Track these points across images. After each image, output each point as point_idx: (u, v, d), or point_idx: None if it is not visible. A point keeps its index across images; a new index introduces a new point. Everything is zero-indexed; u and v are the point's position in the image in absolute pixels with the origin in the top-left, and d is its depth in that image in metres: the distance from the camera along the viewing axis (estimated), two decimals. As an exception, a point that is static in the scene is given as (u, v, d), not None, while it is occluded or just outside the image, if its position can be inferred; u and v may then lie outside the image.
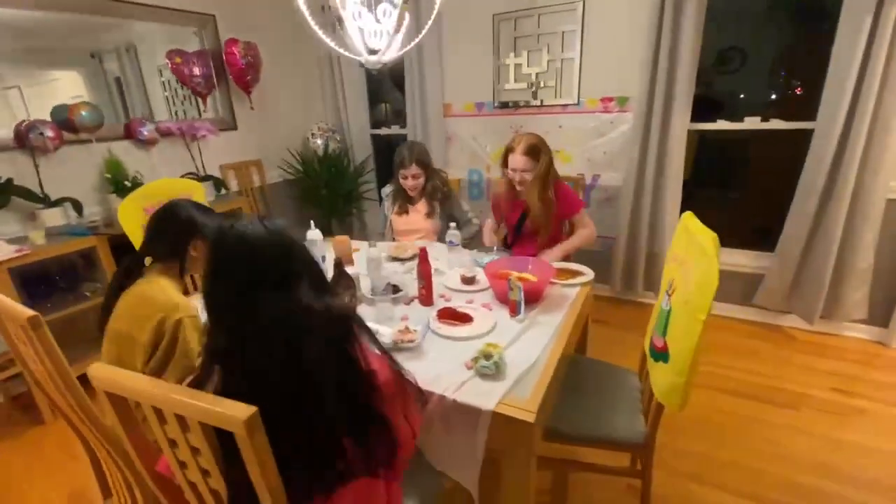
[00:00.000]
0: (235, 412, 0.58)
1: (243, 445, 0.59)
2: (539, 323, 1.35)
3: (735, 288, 2.69)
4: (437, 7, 1.46)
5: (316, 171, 3.43)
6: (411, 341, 1.23)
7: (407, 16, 1.30)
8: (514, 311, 1.36)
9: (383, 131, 3.77)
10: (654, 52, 2.43)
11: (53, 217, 2.23)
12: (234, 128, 3.21)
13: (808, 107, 2.29)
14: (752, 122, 2.45)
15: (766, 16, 2.78)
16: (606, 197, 2.93)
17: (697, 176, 2.97)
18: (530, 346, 1.23)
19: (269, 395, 0.65)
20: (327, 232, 3.70)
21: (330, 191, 3.46)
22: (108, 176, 2.43)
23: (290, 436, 0.66)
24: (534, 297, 1.46)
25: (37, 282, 2.17)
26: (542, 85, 2.92)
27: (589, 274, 1.65)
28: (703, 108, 2.58)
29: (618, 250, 2.87)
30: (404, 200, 2.21)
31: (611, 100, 2.74)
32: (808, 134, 2.27)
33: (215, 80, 3.02)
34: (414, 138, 3.38)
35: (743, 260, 2.68)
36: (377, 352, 0.79)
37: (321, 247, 1.74)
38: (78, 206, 2.32)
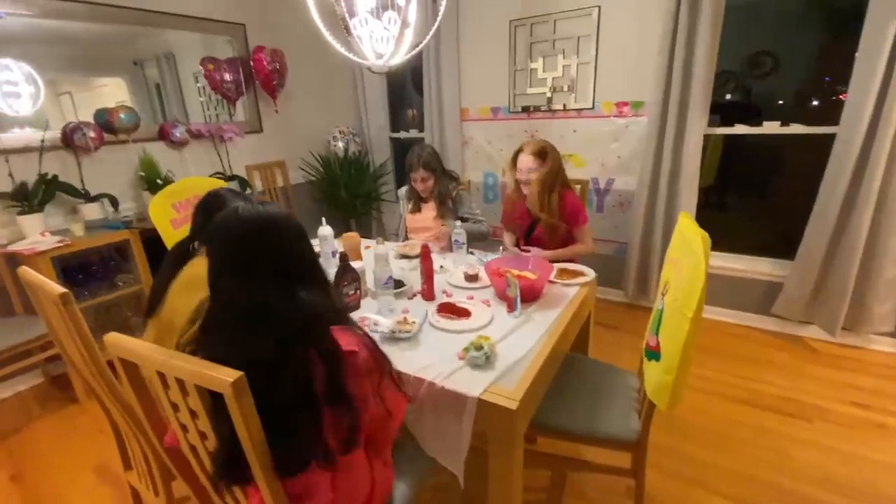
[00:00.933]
0: (224, 375, 0.65)
1: (231, 406, 0.65)
2: (534, 319, 1.38)
3: (753, 296, 2.63)
4: (440, 15, 1.51)
5: (335, 172, 3.55)
6: (408, 331, 1.28)
7: (412, 22, 1.37)
8: (511, 307, 1.40)
9: (402, 135, 3.86)
10: (668, 58, 2.42)
11: (92, 211, 2.41)
12: (260, 130, 3.37)
13: (834, 111, 2.23)
14: (771, 127, 2.41)
15: (796, 18, 2.73)
16: (620, 201, 2.92)
17: (723, 181, 2.93)
18: (522, 340, 1.26)
19: (246, 370, 0.70)
20: (345, 230, 3.83)
21: (349, 192, 3.57)
22: (143, 174, 2.61)
23: (264, 408, 0.71)
24: (532, 295, 1.49)
25: (75, 271, 2.34)
26: (557, 90, 2.94)
27: (590, 274, 1.67)
28: (734, 111, 2.53)
29: (631, 255, 2.85)
30: (417, 200, 2.29)
31: (626, 104, 2.74)
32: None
33: (243, 85, 3.18)
34: (431, 142, 3.46)
35: (762, 267, 2.62)
36: (357, 335, 0.83)
37: (332, 242, 1.82)
38: (114, 202, 2.50)
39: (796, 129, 2.36)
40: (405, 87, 3.94)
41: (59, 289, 0.99)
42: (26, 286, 1.11)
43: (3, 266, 2.14)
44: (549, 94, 2.97)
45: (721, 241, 2.73)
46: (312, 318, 0.76)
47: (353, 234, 1.83)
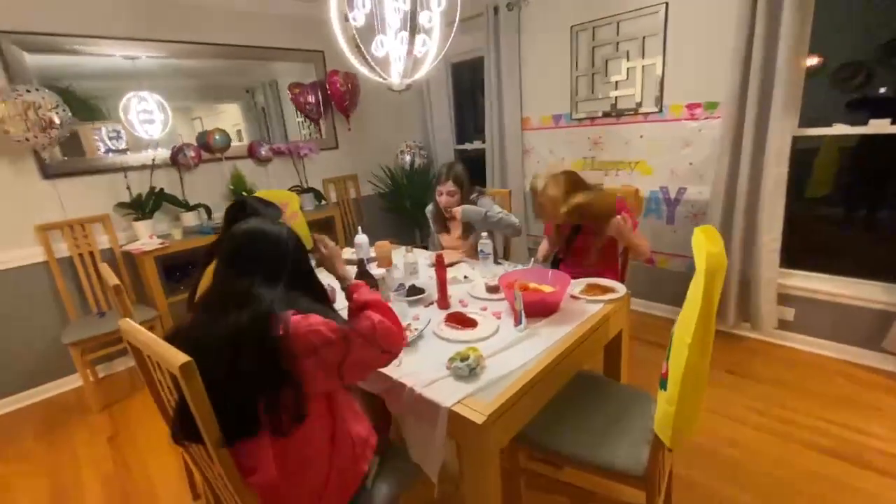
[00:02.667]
0: (175, 359, 0.75)
1: (181, 384, 0.75)
2: (540, 334, 1.32)
3: (860, 327, 2.19)
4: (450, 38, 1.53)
5: (400, 184, 3.73)
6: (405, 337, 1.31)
7: (426, 39, 1.42)
8: (517, 321, 1.36)
9: (467, 146, 3.92)
10: (745, 49, 2.16)
11: (190, 219, 2.84)
12: (336, 147, 3.68)
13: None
14: (878, 126, 2.01)
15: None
16: (693, 213, 2.64)
17: (845, 190, 2.49)
18: (520, 354, 1.21)
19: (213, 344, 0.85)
20: (410, 240, 3.98)
21: (413, 203, 3.72)
22: (232, 187, 3.00)
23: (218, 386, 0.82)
24: (545, 309, 1.43)
25: (174, 269, 2.77)
26: (621, 94, 2.77)
27: (620, 291, 1.54)
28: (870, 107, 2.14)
29: (705, 273, 2.54)
30: (443, 220, 2.28)
31: (698, 106, 2.48)
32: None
33: (322, 106, 3.51)
34: (491, 152, 3.47)
35: (873, 293, 2.17)
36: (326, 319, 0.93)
37: (366, 249, 1.93)
38: (209, 211, 2.91)
39: (917, 125, 1.94)
40: (472, 99, 4.00)
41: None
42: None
43: (122, 261, 2.62)
44: (612, 99, 2.81)
45: (828, 261, 2.33)
46: (266, 305, 0.90)
47: (385, 243, 1.91)
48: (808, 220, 2.53)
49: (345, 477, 1.00)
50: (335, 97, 3.44)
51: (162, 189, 2.72)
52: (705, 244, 0.97)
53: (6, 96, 2.09)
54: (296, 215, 2.75)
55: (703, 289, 0.92)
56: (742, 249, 2.39)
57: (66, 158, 2.50)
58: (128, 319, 0.95)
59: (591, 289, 1.58)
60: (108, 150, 2.65)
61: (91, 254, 2.55)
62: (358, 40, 1.36)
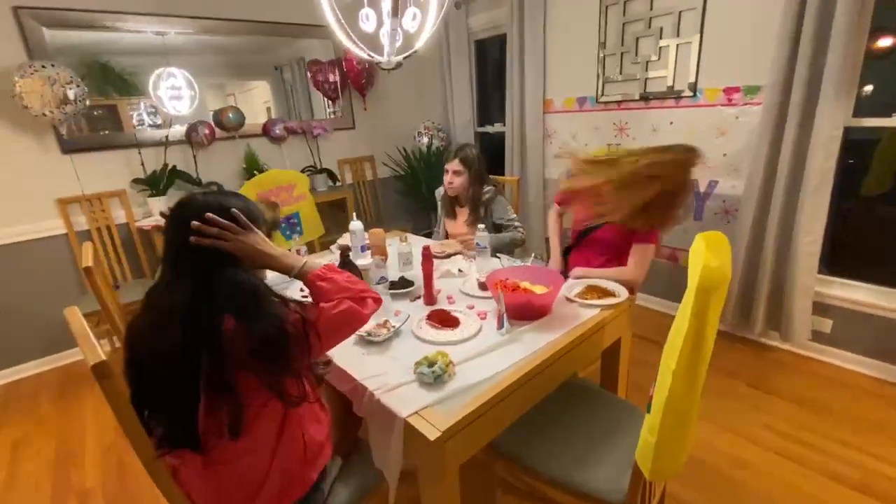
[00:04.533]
0: (93, 356, 0.70)
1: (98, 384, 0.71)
2: (522, 340, 1.21)
3: (907, 345, 1.95)
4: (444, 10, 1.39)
5: (416, 167, 3.63)
6: (378, 335, 1.24)
7: (416, 13, 1.29)
8: (499, 324, 1.26)
9: (488, 129, 3.76)
10: (794, 26, 1.90)
11: (203, 197, 2.86)
12: (353, 127, 3.61)
13: None
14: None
15: None
16: (724, 209, 2.42)
17: None
18: (494, 362, 1.12)
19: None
20: (425, 226, 3.90)
21: (429, 188, 3.61)
22: (244, 166, 3.00)
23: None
24: (532, 313, 1.32)
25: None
26: (652, 75, 2.54)
27: (621, 296, 1.41)
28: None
29: (734, 274, 2.34)
30: (452, 204, 2.20)
31: (736, 90, 2.24)
32: None
33: (339, 85, 3.43)
34: (512, 136, 3.30)
35: (926, 308, 1.92)
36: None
37: (361, 237, 1.86)
38: (221, 189, 2.93)
39: None
40: (497, 79, 3.82)
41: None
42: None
43: (137, 236, 2.68)
44: (641, 82, 2.59)
45: (877, 268, 2.09)
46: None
47: (378, 231, 1.83)
48: (860, 221, 2.26)
49: (289, 480, 0.94)
50: (352, 75, 3.36)
51: (175, 166, 2.74)
52: (703, 255, 0.82)
53: (24, 72, 2.13)
54: (303, 197, 2.72)
55: (692, 309, 0.79)
56: (776, 251, 2.17)
57: (90, 133, 2.58)
58: (74, 308, 0.92)
59: (590, 291, 1.45)
60: (146, 126, 2.71)
61: (108, 228, 2.63)
62: (338, 13, 1.25)
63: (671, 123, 2.53)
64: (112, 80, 2.68)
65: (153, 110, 2.74)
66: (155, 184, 2.66)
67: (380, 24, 1.38)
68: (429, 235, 2.78)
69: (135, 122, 2.71)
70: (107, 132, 2.64)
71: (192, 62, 2.83)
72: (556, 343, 1.20)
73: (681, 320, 0.82)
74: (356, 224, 1.86)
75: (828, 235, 2.05)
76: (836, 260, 2.20)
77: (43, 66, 2.15)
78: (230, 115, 2.89)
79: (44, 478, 1.79)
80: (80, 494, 1.70)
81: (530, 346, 1.18)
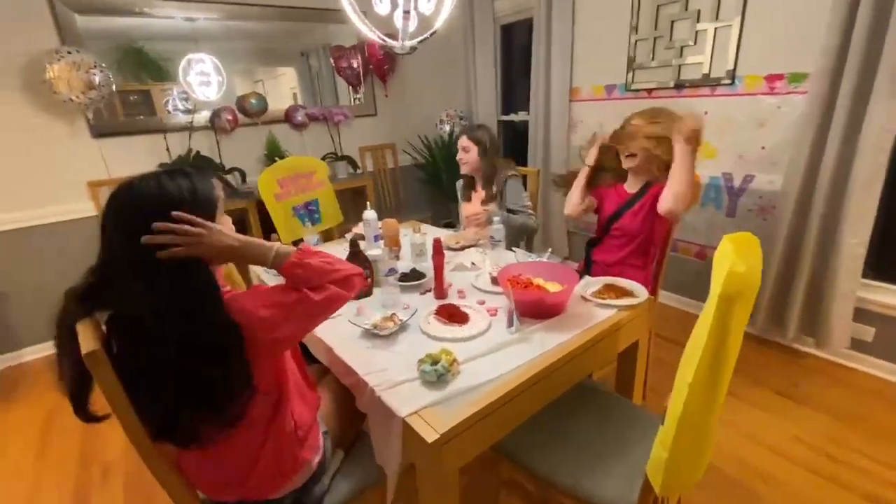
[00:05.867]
0: (87, 345, 0.70)
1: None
2: (531, 340, 1.16)
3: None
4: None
5: (436, 156, 3.57)
6: (386, 328, 1.22)
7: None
8: (510, 322, 1.21)
9: (513, 117, 3.66)
10: (848, 7, 1.74)
11: (226, 182, 2.90)
12: (375, 113, 3.57)
13: None
14: None
15: None
16: (760, 206, 2.27)
17: None
18: (501, 362, 1.07)
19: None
20: (446, 215, 3.86)
21: (449, 177, 3.56)
22: (266, 152, 3.02)
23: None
24: (544, 311, 1.26)
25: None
26: (687, 62, 2.39)
27: (640, 296, 1.33)
28: None
29: (766, 275, 2.20)
30: (469, 186, 2.18)
31: (779, 77, 2.08)
32: None
33: (361, 71, 3.39)
34: (536, 125, 3.20)
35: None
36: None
37: (374, 226, 1.83)
38: (243, 175, 2.96)
39: None
40: (523, 65, 3.70)
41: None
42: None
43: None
44: (675, 68, 2.44)
45: None
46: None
47: (392, 221, 1.80)
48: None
49: (280, 459, 0.93)
50: (373, 61, 3.31)
51: (198, 152, 2.78)
52: (730, 259, 0.75)
53: (52, 58, 2.18)
54: (323, 184, 2.71)
55: (714, 318, 0.72)
56: (816, 252, 2.02)
57: (125, 118, 2.65)
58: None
59: (607, 290, 1.38)
60: (178, 111, 2.76)
61: (135, 211, 2.69)
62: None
63: (706, 113, 2.38)
64: (146, 66, 2.75)
65: (185, 96, 2.78)
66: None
67: (394, 6, 1.33)
68: (450, 226, 2.74)
69: (170, 108, 2.76)
70: (141, 117, 2.71)
71: (221, 48, 2.86)
72: (567, 344, 1.14)
73: (701, 329, 0.75)
74: (370, 213, 1.83)
75: (875, 237, 1.90)
76: (884, 264, 2.04)
77: (69, 52, 2.20)
78: (252, 100, 2.90)
79: (71, 449, 1.87)
80: (103, 466, 1.77)
81: (540, 346, 1.13)
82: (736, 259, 0.74)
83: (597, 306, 1.31)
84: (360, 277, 0.96)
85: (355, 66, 3.38)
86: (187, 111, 2.76)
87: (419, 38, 1.35)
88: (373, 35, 1.34)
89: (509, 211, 1.98)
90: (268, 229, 2.77)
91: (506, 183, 2.00)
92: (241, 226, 2.89)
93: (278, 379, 0.92)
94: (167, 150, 2.70)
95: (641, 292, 1.35)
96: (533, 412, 1.10)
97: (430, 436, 0.86)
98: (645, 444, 1.14)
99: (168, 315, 0.72)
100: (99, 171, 2.57)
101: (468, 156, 2.05)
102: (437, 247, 1.40)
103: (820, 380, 2.03)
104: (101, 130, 2.54)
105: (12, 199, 2.39)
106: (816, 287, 2.07)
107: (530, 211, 1.99)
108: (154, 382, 0.75)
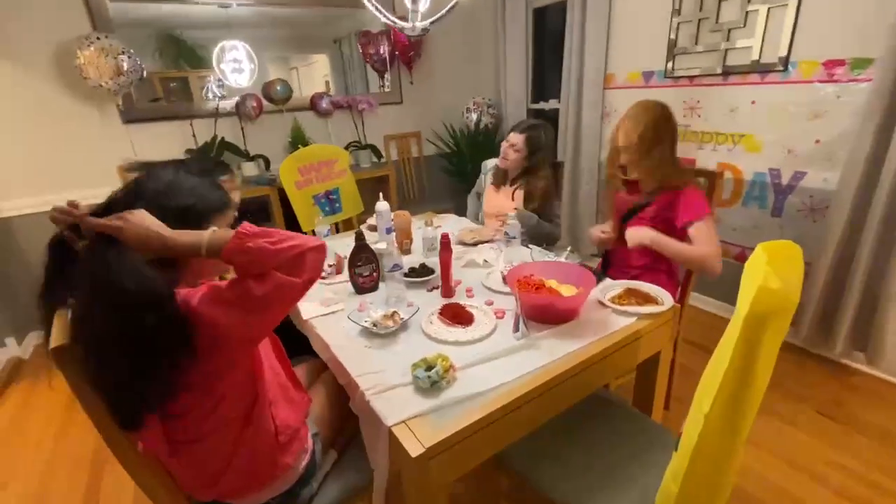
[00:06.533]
0: (55, 340, 0.68)
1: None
2: (539, 347, 1.08)
3: None
4: None
5: (461, 146, 3.48)
6: (385, 327, 1.16)
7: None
8: (516, 326, 1.13)
9: (543, 106, 3.51)
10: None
11: (250, 169, 2.92)
12: (400, 101, 3.51)
13: None
14: None
15: None
16: (811, 206, 2.06)
17: None
18: (504, 370, 1.00)
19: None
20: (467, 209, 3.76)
21: (474, 168, 3.45)
22: (290, 139, 3.01)
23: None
24: (556, 316, 1.17)
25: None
26: (734, 46, 2.19)
27: (665, 304, 1.22)
28: None
29: (814, 283, 2.01)
30: (501, 178, 2.05)
31: (840, 63, 1.86)
32: None
33: (388, 57, 3.33)
34: (566, 114, 3.05)
35: None
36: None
37: (387, 218, 1.78)
38: (267, 162, 2.97)
39: None
40: (557, 51, 3.54)
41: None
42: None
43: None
44: (721, 53, 2.24)
45: None
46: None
47: (404, 213, 1.74)
48: None
49: (257, 463, 0.89)
50: (399, 47, 3.23)
51: (223, 138, 2.80)
52: (763, 272, 0.63)
53: (81, 44, 2.22)
54: (344, 173, 2.68)
55: (738, 341, 0.62)
56: (872, 259, 1.82)
57: (167, 103, 2.73)
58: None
59: (628, 295, 1.27)
60: (216, 98, 2.78)
61: (163, 195, 2.75)
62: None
63: (753, 103, 2.18)
64: (184, 54, 2.80)
65: (221, 83, 2.81)
66: (205, 154, 2.74)
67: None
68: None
69: (209, 95, 2.78)
70: (178, 101, 2.78)
71: (255, 35, 2.88)
72: (578, 354, 1.05)
73: (723, 352, 0.65)
74: (382, 205, 1.78)
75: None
76: (953, 274, 1.81)
77: (98, 38, 2.24)
78: (278, 87, 2.89)
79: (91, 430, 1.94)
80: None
81: (548, 354, 1.05)
82: (770, 272, 0.63)
83: (615, 313, 1.21)
84: (317, 252, 0.82)
85: (381, 52, 3.32)
86: (223, 98, 2.79)
87: (432, 19, 1.27)
88: (380, 15, 1.26)
89: (540, 216, 1.88)
90: (290, 217, 2.77)
91: (543, 191, 1.89)
92: (265, 213, 2.91)
93: (252, 379, 0.88)
94: (193, 136, 2.73)
95: (666, 299, 1.23)
96: (535, 426, 1.02)
97: (415, 449, 0.80)
98: (660, 467, 1.04)
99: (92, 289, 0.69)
100: (129, 156, 2.63)
101: (516, 155, 1.91)
102: (445, 242, 1.33)
103: (869, 400, 1.83)
104: (129, 116, 2.60)
105: (48, 183, 2.48)
106: (870, 298, 1.86)
107: (558, 220, 1.89)
108: (101, 355, 0.70)
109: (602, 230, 1.67)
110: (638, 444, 1.12)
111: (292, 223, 2.58)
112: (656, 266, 1.57)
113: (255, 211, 2.91)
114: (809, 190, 2.05)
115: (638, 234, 1.46)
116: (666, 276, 1.57)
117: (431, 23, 1.29)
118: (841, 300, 1.94)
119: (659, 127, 1.42)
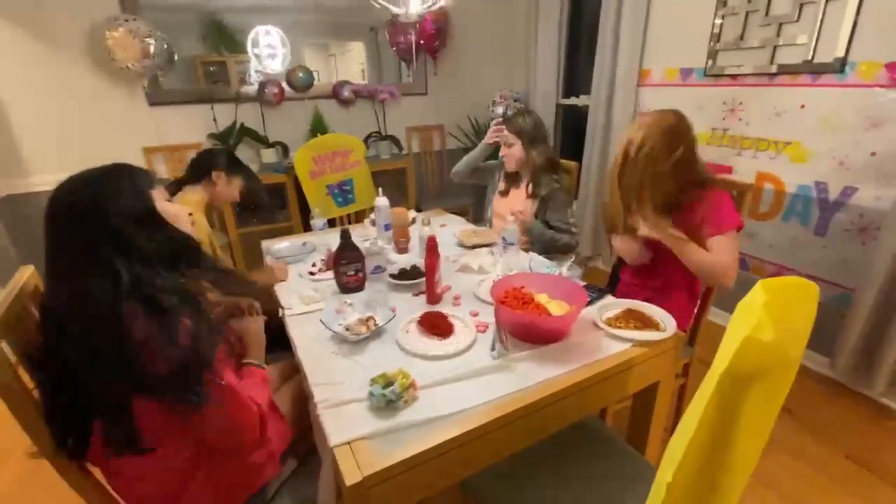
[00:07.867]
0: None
1: None
2: (514, 369, 0.98)
3: None
4: None
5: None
6: (357, 333, 1.10)
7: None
8: (493, 344, 1.04)
9: (573, 101, 3.33)
10: None
11: (269, 155, 2.93)
12: (425, 92, 3.42)
13: None
14: None
15: None
16: (861, 225, 1.84)
17: None
18: (470, 393, 0.91)
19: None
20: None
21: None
22: (310, 127, 3.00)
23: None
24: (540, 336, 1.07)
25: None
26: (786, 42, 1.97)
27: (667, 329, 1.09)
28: None
29: (858, 311, 1.80)
30: (512, 181, 1.93)
31: (907, 65, 1.63)
32: None
33: (414, 46, 3.24)
34: (596, 111, 2.88)
35: None
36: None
37: (386, 214, 1.71)
38: (286, 149, 2.97)
39: None
40: (590, 44, 3.35)
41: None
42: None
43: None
44: (770, 50, 2.02)
45: None
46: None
47: (401, 210, 1.67)
48: None
49: (218, 494, 0.86)
50: (424, 36, 3.14)
51: (243, 124, 2.82)
52: (755, 318, 0.51)
53: (110, 26, 2.27)
54: (359, 164, 2.65)
55: (706, 405, 0.51)
56: (928, 292, 1.60)
57: (207, 85, 2.83)
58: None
59: (626, 317, 1.15)
60: (256, 82, 2.84)
61: (185, 177, 2.81)
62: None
63: (802, 107, 1.96)
64: (224, 38, 2.84)
65: (259, 68, 2.83)
66: (225, 139, 2.77)
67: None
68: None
69: (252, 80, 2.85)
70: (217, 83, 2.86)
71: (294, 21, 2.89)
72: (558, 381, 0.95)
73: (690, 416, 0.54)
74: (382, 200, 1.72)
75: None
76: None
77: (126, 20, 2.27)
78: (300, 74, 2.88)
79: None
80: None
81: (521, 379, 0.95)
82: (764, 318, 0.51)
83: (607, 336, 1.10)
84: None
85: (407, 40, 3.24)
86: (257, 82, 2.81)
87: (427, 5, 1.18)
88: (373, 1, 1.19)
89: (553, 227, 1.76)
90: (304, 205, 2.76)
91: (551, 197, 1.77)
92: (280, 198, 2.91)
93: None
94: (214, 120, 2.76)
95: (669, 325, 1.11)
96: (501, 457, 0.93)
97: (352, 477, 0.74)
98: (635, 496, 0.94)
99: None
100: (154, 138, 2.69)
101: (512, 150, 1.81)
102: (432, 245, 1.25)
103: (911, 449, 1.63)
104: (155, 99, 2.65)
105: (76, 160, 2.56)
106: (924, 335, 1.64)
107: (574, 229, 1.76)
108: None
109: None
110: (623, 488, 1.02)
111: (306, 212, 2.58)
112: (675, 284, 1.40)
113: (276, 197, 2.91)
114: (860, 208, 1.83)
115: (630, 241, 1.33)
116: (687, 296, 1.42)
117: (428, 8, 1.20)
118: (886, 333, 1.73)
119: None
